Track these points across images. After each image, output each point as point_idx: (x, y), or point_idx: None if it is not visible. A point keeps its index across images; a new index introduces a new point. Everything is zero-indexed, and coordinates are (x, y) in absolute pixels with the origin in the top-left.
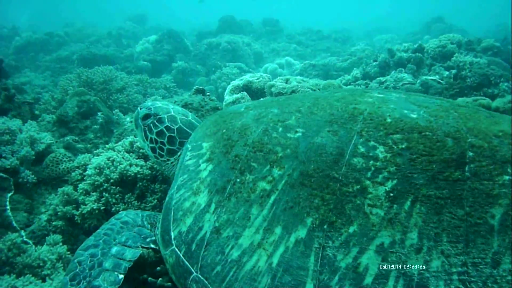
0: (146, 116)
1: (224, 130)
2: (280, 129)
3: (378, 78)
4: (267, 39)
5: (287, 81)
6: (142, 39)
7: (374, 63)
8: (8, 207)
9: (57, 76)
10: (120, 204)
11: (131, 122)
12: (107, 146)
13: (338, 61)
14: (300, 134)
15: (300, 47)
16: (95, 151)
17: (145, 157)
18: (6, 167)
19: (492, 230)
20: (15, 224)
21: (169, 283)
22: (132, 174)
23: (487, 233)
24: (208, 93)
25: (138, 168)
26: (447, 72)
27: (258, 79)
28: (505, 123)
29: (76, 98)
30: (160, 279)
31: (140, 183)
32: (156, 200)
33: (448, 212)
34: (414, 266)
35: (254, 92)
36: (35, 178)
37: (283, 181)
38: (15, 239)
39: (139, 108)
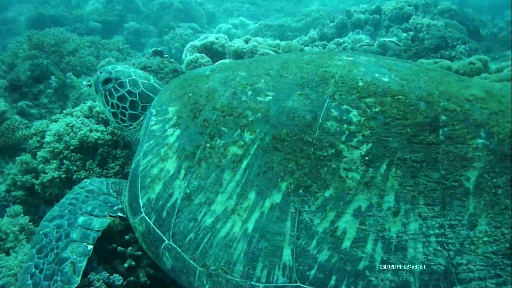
0: (107, 81)
1: (191, 94)
2: (250, 92)
3: (335, 39)
4: None
5: (247, 41)
6: None
7: (331, 24)
8: None
9: (5, 39)
10: (82, 171)
11: (88, 86)
12: (64, 111)
13: (293, 21)
14: (270, 97)
15: (253, 7)
16: (52, 117)
17: (105, 122)
18: None
19: (467, 192)
20: None
21: (139, 252)
22: (93, 140)
23: (463, 195)
24: (166, 55)
25: (99, 134)
26: (404, 34)
27: (217, 39)
28: (475, 87)
29: (28, 62)
30: (130, 248)
31: (101, 149)
32: (118, 167)
33: (424, 175)
34: (392, 229)
35: (214, 52)
36: None
37: (255, 146)
38: None
39: (99, 72)
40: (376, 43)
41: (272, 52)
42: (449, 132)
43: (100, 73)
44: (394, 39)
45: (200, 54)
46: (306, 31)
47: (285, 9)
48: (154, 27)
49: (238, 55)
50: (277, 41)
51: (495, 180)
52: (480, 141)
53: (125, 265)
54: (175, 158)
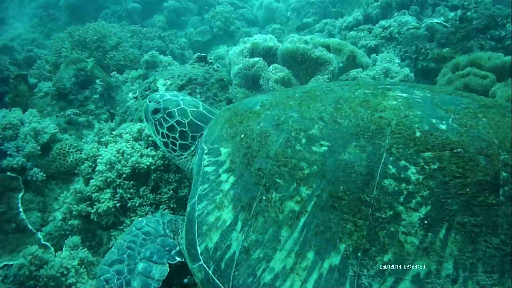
0: (156, 111)
1: (243, 136)
2: (304, 140)
3: (381, 22)
4: None
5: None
6: None
7: (376, 4)
8: (21, 209)
9: (45, 25)
10: (136, 198)
11: (134, 98)
12: (113, 133)
13: None
14: (325, 148)
15: None
16: (102, 139)
17: (155, 145)
18: (13, 166)
19: None
20: (30, 227)
21: None
22: (145, 167)
23: None
24: (210, 59)
25: (150, 159)
26: (452, 14)
27: (264, 40)
28: None
29: (72, 67)
30: None
31: (154, 175)
32: (171, 191)
33: (483, 241)
34: None
35: (262, 55)
36: (44, 175)
37: (312, 202)
38: (36, 252)
39: (148, 101)
40: (423, 25)
41: (322, 53)
42: (509, 191)
43: (149, 102)
44: (441, 19)
45: (253, 60)
46: (350, 8)
47: None
48: (194, 4)
49: (289, 57)
50: (327, 39)
51: None
52: None
53: None
54: (231, 208)
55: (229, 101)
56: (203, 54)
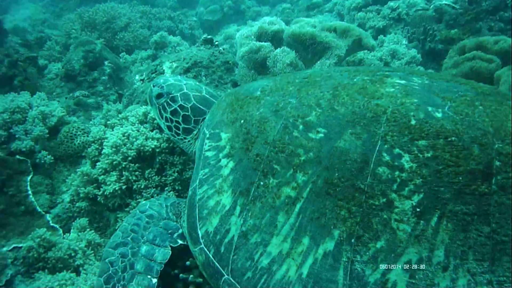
0: (159, 95)
1: (242, 121)
2: (301, 126)
3: (389, 3)
4: None
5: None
6: None
7: None
8: (30, 192)
9: (57, 5)
10: (141, 180)
11: (141, 81)
12: (120, 115)
13: None
14: (322, 135)
15: None
16: (108, 122)
17: (160, 128)
18: (22, 149)
19: None
20: (39, 209)
21: (200, 279)
22: (150, 150)
23: None
24: (216, 42)
25: (155, 142)
26: None
27: (269, 24)
28: None
29: (81, 49)
30: (191, 276)
31: (159, 157)
32: (176, 173)
33: (474, 229)
34: (441, 284)
35: (269, 39)
36: (52, 158)
37: (308, 189)
38: (44, 235)
39: (152, 86)
40: (431, 7)
41: (329, 37)
42: (502, 180)
43: (153, 86)
44: (450, 1)
45: (256, 45)
46: None
47: None
48: None
49: (296, 41)
50: (333, 22)
51: None
52: None
53: None
54: (230, 192)
55: (235, 84)
56: (209, 37)
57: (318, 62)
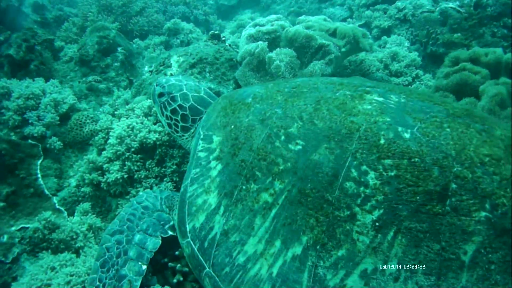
0: (161, 94)
1: (232, 126)
2: (283, 137)
3: (397, 3)
4: None
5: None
6: None
7: None
8: (39, 175)
9: None
10: (142, 170)
11: (150, 72)
12: (127, 106)
13: None
14: (300, 147)
15: None
16: (116, 112)
17: None
18: (34, 134)
19: (463, 266)
20: (47, 192)
21: (187, 268)
22: (152, 142)
23: (458, 268)
24: (223, 37)
25: (157, 135)
26: None
27: (268, 22)
28: (495, 141)
29: (96, 34)
30: (178, 265)
31: (160, 150)
32: (175, 166)
33: (425, 246)
34: None
35: (266, 39)
36: (61, 144)
37: (283, 196)
38: (49, 218)
39: (155, 85)
40: (437, 9)
41: (322, 40)
42: (456, 203)
43: (156, 85)
44: (456, 4)
45: (253, 46)
46: None
47: None
48: None
49: (292, 42)
50: (330, 23)
51: (490, 255)
52: (484, 213)
53: (174, 280)
54: (216, 193)
55: (236, 81)
56: (216, 32)
57: (311, 63)
